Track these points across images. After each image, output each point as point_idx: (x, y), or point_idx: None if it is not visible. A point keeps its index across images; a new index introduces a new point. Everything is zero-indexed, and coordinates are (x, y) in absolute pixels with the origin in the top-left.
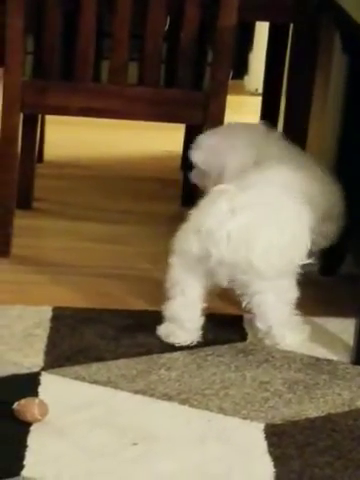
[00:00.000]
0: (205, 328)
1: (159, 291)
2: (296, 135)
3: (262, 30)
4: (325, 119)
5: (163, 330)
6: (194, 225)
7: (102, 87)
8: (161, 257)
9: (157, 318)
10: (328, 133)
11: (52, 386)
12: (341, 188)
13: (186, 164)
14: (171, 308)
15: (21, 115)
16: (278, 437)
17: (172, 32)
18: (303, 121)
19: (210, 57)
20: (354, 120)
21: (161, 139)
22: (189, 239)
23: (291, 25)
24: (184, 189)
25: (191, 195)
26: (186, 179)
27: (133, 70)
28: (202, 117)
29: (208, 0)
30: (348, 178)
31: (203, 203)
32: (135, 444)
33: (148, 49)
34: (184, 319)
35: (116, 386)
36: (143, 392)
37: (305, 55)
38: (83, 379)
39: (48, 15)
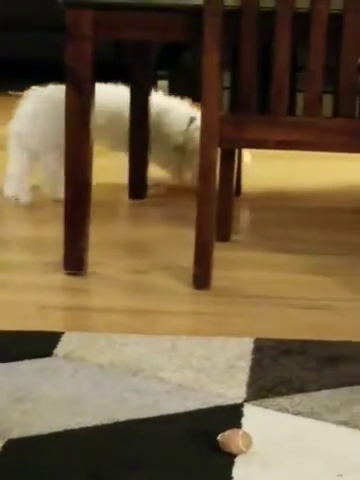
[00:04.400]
0: None
1: None
2: None
3: None
4: None
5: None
6: None
7: (298, 120)
8: None
9: None
10: None
11: (255, 417)
12: None
13: None
14: None
15: (219, 149)
16: None
17: None
18: None
19: None
20: None
21: (356, 169)
22: None
23: None
24: None
25: None
26: None
27: (327, 102)
28: None
29: None
30: None
31: None
32: (340, 475)
33: (342, 81)
34: None
35: (319, 417)
36: (346, 423)
37: None
38: (286, 410)
39: (244, 50)
